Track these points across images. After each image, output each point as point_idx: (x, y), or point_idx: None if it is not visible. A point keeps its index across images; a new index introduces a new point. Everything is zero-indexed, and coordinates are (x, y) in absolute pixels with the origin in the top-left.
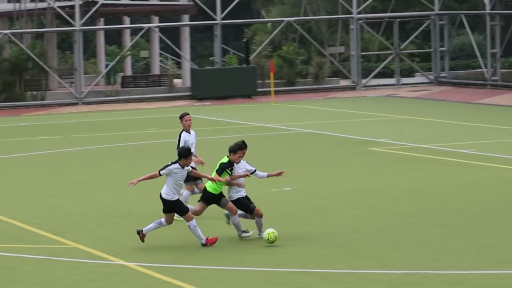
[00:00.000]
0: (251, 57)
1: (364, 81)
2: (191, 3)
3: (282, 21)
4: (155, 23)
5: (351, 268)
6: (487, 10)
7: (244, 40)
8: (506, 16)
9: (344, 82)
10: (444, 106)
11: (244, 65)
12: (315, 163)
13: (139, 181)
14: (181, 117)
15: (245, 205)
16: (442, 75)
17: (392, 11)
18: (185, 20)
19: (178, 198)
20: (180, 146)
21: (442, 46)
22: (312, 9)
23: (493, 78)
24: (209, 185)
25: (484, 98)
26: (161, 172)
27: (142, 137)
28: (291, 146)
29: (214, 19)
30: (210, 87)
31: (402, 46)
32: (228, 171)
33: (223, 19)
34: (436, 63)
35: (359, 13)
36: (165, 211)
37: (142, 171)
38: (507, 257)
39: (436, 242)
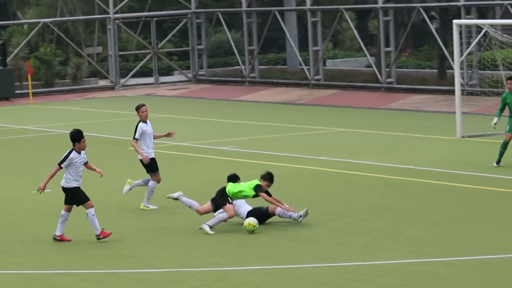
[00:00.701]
0: (8, 59)
1: (122, 80)
2: None
3: (39, 22)
4: None
5: (113, 268)
6: (244, 8)
7: (0, 42)
8: (262, 13)
9: (102, 82)
10: (203, 104)
11: (1, 68)
12: None
13: (45, 184)
14: (137, 108)
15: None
16: (200, 73)
17: (149, 10)
18: None
19: (78, 187)
20: (135, 135)
21: (200, 44)
22: (69, 10)
23: (251, 75)
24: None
25: (243, 95)
26: (62, 165)
27: None
28: (50, 148)
29: None
30: None
31: (160, 45)
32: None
33: None
34: (194, 61)
35: (116, 13)
36: (66, 202)
37: None
38: (269, 252)
39: (197, 240)
